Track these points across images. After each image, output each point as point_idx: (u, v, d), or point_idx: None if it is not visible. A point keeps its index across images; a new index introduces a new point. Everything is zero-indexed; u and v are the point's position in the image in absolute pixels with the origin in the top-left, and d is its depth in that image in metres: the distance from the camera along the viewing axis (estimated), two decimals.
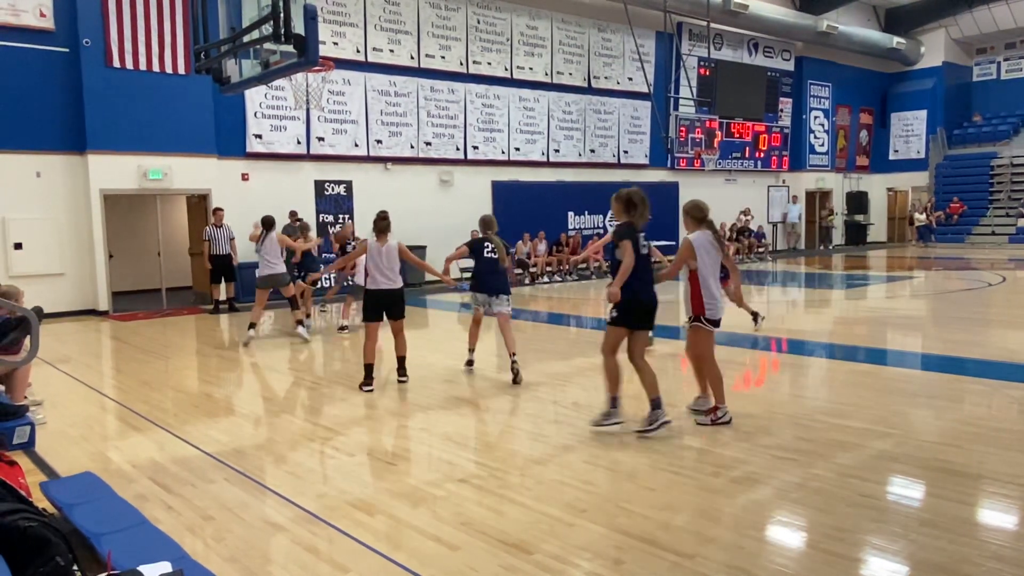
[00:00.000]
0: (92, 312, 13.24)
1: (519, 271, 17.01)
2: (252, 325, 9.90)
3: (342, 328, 10.79)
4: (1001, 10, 26.05)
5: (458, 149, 17.62)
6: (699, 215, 5.67)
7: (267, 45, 7.18)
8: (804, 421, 5.83)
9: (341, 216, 15.97)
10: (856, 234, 27.91)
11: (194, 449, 5.47)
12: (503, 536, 3.84)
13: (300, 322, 10.20)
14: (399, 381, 7.43)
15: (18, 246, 12.59)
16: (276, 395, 7.55)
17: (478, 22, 17.78)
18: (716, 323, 5.68)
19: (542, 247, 17.93)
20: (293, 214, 14.48)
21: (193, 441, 5.66)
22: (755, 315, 9.92)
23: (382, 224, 7.37)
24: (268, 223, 10.15)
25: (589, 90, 20.01)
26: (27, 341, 5.66)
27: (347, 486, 4.67)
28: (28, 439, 4.59)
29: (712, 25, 20.43)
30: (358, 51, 15.91)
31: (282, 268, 10.09)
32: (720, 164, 22.96)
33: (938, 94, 27.73)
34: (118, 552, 3.12)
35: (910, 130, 28.40)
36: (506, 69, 18.30)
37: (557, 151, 19.41)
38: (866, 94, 28.17)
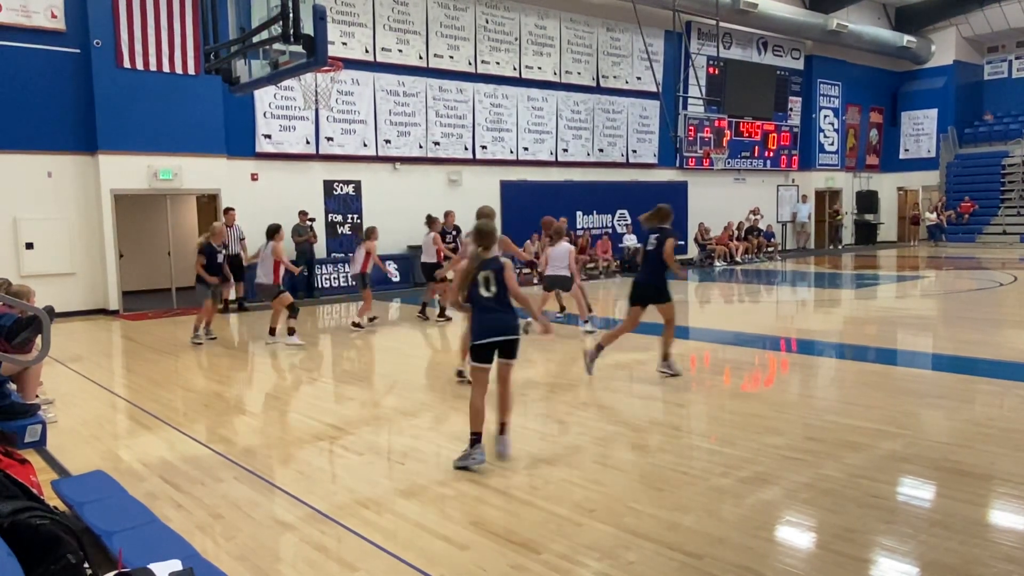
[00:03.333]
0: (103, 311, 13.31)
1: (527, 271, 16.98)
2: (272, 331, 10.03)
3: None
4: (1013, 8, 25.83)
5: (466, 149, 17.62)
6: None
7: (276, 45, 7.22)
8: (813, 421, 5.82)
9: (350, 216, 16.00)
10: (866, 233, 27.77)
11: (204, 448, 5.49)
12: (511, 535, 3.84)
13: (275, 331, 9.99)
14: (437, 318, 11.30)
15: (29, 246, 12.65)
16: (285, 394, 7.58)
17: (486, 22, 17.78)
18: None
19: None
20: (303, 214, 14.54)
21: (203, 440, 5.69)
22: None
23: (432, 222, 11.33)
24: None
25: (598, 89, 19.97)
26: (38, 340, 5.69)
27: (356, 485, 4.68)
28: (39, 437, 4.62)
29: (721, 24, 20.40)
30: (367, 51, 15.94)
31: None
32: (729, 163, 22.87)
33: (949, 93, 27.54)
34: (129, 550, 3.14)
35: (920, 129, 28.23)
36: (514, 69, 18.29)
37: (566, 151, 19.39)
38: (876, 93, 28.01)
